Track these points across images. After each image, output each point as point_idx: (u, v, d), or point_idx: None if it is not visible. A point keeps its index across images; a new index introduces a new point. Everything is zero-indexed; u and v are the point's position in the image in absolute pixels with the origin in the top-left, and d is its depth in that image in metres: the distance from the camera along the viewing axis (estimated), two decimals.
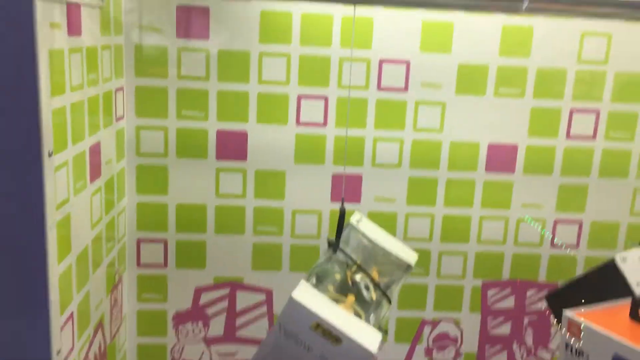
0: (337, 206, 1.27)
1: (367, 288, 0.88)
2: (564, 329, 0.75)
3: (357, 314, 0.85)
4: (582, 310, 0.76)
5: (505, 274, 1.33)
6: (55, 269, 0.83)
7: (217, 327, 1.31)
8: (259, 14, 1.18)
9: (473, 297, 1.34)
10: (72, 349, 0.92)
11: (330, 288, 0.87)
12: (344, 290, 0.87)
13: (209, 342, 1.31)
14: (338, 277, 0.90)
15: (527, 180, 1.29)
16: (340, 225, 0.91)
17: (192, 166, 1.24)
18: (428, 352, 1.35)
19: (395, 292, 0.93)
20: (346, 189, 1.27)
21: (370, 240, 0.98)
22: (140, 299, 1.29)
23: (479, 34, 1.21)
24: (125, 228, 1.24)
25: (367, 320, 0.85)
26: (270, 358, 0.79)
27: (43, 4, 0.75)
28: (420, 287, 1.33)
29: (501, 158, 1.28)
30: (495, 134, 1.27)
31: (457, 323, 1.35)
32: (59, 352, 0.84)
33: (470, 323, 1.35)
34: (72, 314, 0.91)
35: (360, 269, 0.91)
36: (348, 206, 1.26)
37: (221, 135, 1.23)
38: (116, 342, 1.21)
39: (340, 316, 0.78)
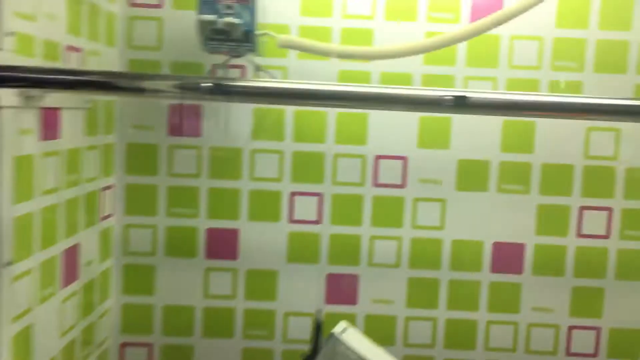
0: (332, 308, 1.20)
1: None
2: None
3: None
4: None
5: None
6: None
7: None
8: (252, 111, 1.17)
9: None
10: None
11: None
12: None
13: None
14: None
15: (537, 281, 1.20)
16: (315, 339, 0.84)
17: (181, 265, 1.19)
18: None
19: None
20: (341, 290, 1.20)
21: (356, 354, 0.90)
22: None
23: (478, 130, 1.17)
24: (108, 331, 1.18)
25: None
26: None
27: (10, 112, 0.74)
28: None
29: (508, 258, 1.20)
30: (500, 232, 1.19)
31: None
32: None
33: None
34: None
35: None
36: (344, 308, 1.20)
37: (211, 233, 1.19)
38: None
39: None
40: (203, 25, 0.87)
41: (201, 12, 0.86)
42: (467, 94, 0.57)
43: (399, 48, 1.04)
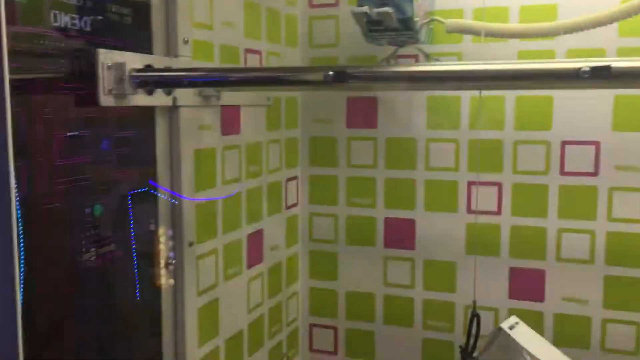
0: (517, 304, 1.14)
1: None
2: None
3: None
4: None
5: None
6: (195, 352, 0.89)
7: None
8: (425, 100, 1.16)
9: None
10: None
11: None
12: None
13: None
14: None
15: None
16: (470, 332, 0.81)
17: (361, 253, 1.23)
18: None
19: None
20: (527, 286, 1.13)
21: (525, 351, 0.85)
22: None
23: None
24: (298, 312, 1.27)
25: None
26: None
27: (189, 110, 0.85)
28: None
29: None
30: None
31: None
32: None
33: None
34: None
35: None
36: (529, 305, 1.13)
37: (389, 222, 1.21)
38: None
39: None
40: (358, 18, 0.89)
41: (359, 4, 0.89)
42: (612, 64, 0.50)
43: (585, 19, 0.93)
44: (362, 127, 1.21)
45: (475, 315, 0.82)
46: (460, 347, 0.82)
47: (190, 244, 0.86)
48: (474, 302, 0.85)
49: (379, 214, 1.21)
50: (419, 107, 1.16)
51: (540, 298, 1.13)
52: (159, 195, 0.81)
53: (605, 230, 1.07)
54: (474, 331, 0.84)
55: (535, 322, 1.10)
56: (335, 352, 1.27)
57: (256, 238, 1.07)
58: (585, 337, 1.10)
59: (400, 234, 1.20)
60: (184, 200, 0.84)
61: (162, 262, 0.81)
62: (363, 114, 1.20)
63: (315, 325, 1.28)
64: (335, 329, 1.27)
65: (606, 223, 1.07)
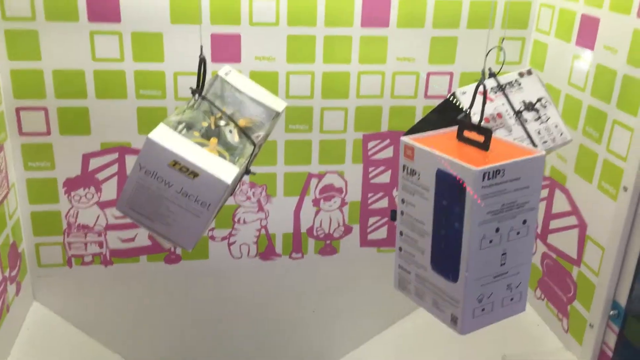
0: (217, 67, 1.29)
1: (230, 132, 0.93)
2: (402, 153, 0.83)
3: (222, 155, 0.90)
4: (416, 136, 0.84)
5: (384, 126, 1.41)
6: None
7: (109, 191, 1.35)
8: None
9: (355, 149, 1.42)
10: None
11: (197, 134, 0.92)
12: (209, 134, 0.92)
13: (102, 206, 1.36)
14: (205, 124, 0.94)
15: (401, 34, 1.34)
16: (199, 72, 0.94)
17: (64, 30, 1.21)
18: (316, 202, 1.45)
19: (261, 137, 0.99)
20: (225, 50, 1.29)
21: (238, 91, 1.02)
22: (28, 167, 1.30)
23: None
24: (1, 96, 1.22)
25: (232, 160, 0.91)
26: (135, 196, 0.85)
27: None
28: (305, 142, 1.40)
29: (376, 12, 1.31)
30: None
31: (341, 174, 1.44)
32: None
33: (353, 174, 1.44)
34: None
35: (225, 115, 0.95)
36: (230, 65, 1.29)
37: None
38: (5, 210, 1.23)
39: (196, 153, 0.83)
40: None
41: None
42: None
43: None
44: None
45: (202, 60, 0.94)
46: (190, 88, 0.95)
47: None
48: (201, 47, 0.97)
49: None
50: None
51: (237, 59, 1.30)
52: None
53: None
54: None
55: None
56: (48, 132, 1.28)
57: None
58: (274, 88, 1.33)
59: (105, 6, 1.21)
60: None
61: None
62: None
63: (22, 108, 1.25)
64: (45, 109, 1.26)
65: None
